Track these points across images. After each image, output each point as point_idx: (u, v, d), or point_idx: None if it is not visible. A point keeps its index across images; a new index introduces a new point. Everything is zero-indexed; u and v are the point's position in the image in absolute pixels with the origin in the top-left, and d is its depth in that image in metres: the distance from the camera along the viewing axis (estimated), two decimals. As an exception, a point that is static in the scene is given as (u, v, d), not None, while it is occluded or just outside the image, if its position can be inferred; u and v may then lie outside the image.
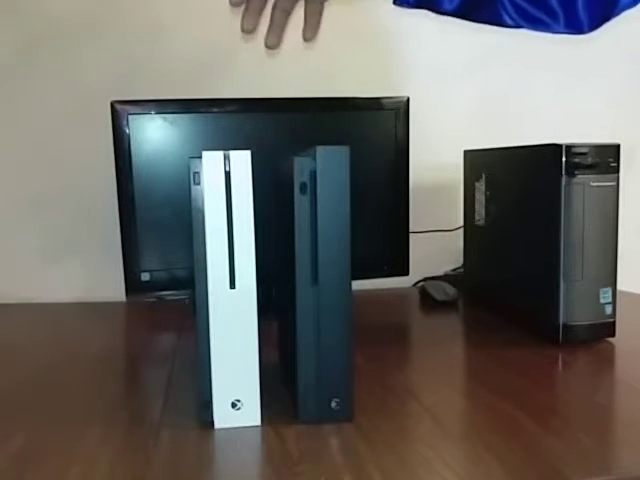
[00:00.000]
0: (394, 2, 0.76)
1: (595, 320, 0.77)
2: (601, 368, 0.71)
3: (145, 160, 0.94)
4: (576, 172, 0.74)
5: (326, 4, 0.72)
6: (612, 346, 0.77)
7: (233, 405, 0.56)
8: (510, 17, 0.73)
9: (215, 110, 0.95)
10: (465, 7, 0.74)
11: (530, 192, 0.82)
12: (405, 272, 1.05)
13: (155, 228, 0.95)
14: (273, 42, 0.71)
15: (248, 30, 0.69)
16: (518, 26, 0.74)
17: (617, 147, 0.76)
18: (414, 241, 1.09)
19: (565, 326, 0.76)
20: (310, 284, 0.55)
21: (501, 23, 0.74)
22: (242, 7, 0.68)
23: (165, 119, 0.94)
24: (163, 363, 0.74)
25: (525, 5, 0.71)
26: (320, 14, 0.73)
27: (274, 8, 0.71)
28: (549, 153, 0.77)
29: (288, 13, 0.72)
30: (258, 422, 0.56)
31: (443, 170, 1.18)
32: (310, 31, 0.73)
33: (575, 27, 0.71)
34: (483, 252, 0.98)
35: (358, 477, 0.47)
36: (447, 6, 0.74)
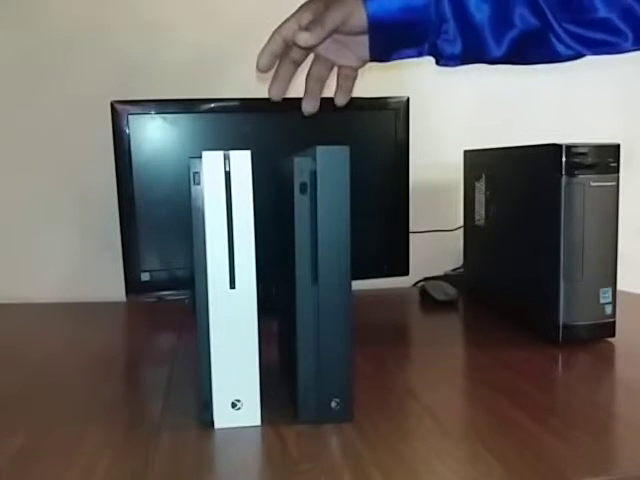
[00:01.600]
0: (437, 63, 0.68)
1: (595, 320, 0.77)
2: (601, 368, 0.71)
3: (145, 160, 0.94)
4: (576, 172, 0.74)
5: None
6: (612, 346, 0.77)
7: (233, 405, 0.56)
8: (568, 47, 0.64)
9: (215, 110, 0.95)
10: (515, 50, 0.65)
11: (530, 192, 0.82)
12: (405, 272, 1.05)
13: (155, 228, 0.95)
14: (310, 110, 0.70)
15: (275, 97, 0.67)
16: (579, 55, 0.65)
17: (617, 147, 0.76)
18: (414, 241, 1.09)
19: (565, 326, 0.76)
20: (310, 284, 0.55)
21: (559, 58, 0.65)
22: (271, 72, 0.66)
23: (165, 119, 0.94)
24: (163, 363, 0.74)
25: (583, 31, 0.62)
26: (354, 80, 0.71)
27: (309, 76, 0.69)
28: (549, 153, 0.77)
29: (324, 81, 0.70)
30: (258, 422, 0.56)
31: (443, 170, 1.18)
32: (342, 96, 0.71)
33: None
34: (483, 252, 0.98)
35: (358, 477, 0.47)
36: (495, 53, 0.65)
